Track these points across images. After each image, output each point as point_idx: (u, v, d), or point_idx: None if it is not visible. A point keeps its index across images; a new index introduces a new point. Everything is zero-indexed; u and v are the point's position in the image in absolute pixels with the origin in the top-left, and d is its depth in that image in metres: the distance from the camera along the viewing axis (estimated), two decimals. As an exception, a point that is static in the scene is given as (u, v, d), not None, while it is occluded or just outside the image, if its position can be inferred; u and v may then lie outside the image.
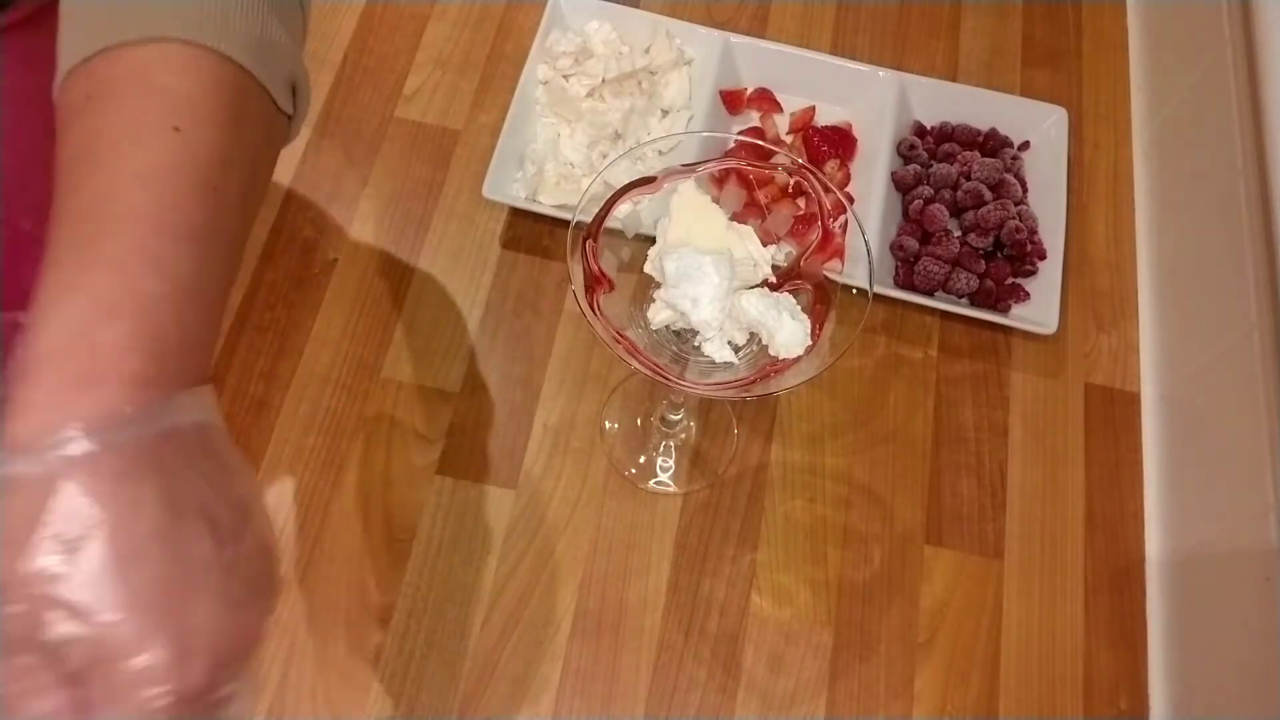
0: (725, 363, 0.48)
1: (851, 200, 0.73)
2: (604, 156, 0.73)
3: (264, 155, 0.38)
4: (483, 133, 0.77)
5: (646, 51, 0.77)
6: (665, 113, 0.76)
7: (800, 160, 0.51)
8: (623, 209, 0.50)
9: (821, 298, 0.50)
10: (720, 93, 0.77)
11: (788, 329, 0.46)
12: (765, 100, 0.78)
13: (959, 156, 0.75)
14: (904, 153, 0.77)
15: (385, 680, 0.60)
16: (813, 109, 0.79)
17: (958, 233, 0.74)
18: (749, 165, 0.51)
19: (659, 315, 0.47)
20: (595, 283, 0.48)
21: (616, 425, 0.68)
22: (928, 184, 0.75)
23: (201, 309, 0.32)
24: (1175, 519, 0.66)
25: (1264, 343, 0.59)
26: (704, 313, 0.45)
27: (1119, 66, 0.84)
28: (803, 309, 0.48)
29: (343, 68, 0.79)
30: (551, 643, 0.61)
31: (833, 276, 0.50)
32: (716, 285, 0.45)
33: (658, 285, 0.47)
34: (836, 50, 0.83)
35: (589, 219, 0.49)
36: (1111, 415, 0.71)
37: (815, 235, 0.50)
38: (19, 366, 0.29)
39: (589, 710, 0.60)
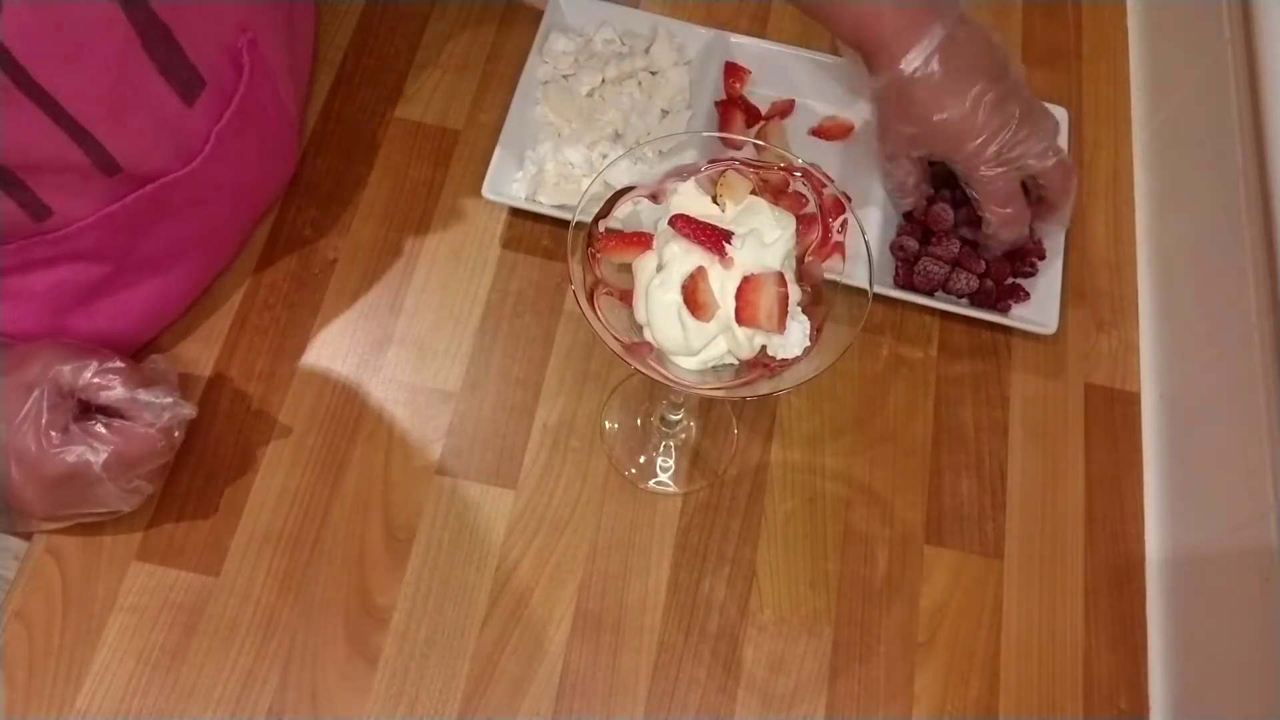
0: (726, 364, 0.48)
1: (851, 200, 0.73)
2: (604, 156, 0.73)
3: None
4: (483, 133, 0.77)
5: (646, 51, 0.77)
6: (665, 113, 0.76)
7: (800, 160, 0.51)
8: (623, 209, 0.50)
9: (821, 298, 0.50)
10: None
11: (787, 329, 0.46)
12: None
13: (959, 156, 0.75)
14: (904, 153, 0.76)
15: (385, 680, 0.60)
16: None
17: (958, 233, 0.74)
18: (749, 165, 0.51)
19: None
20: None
21: (616, 425, 0.68)
22: (928, 183, 0.74)
23: None
24: (1175, 519, 0.66)
25: (1264, 343, 0.59)
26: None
27: (1119, 66, 0.84)
28: (802, 309, 0.48)
29: (343, 68, 0.79)
30: (551, 643, 0.61)
31: (832, 276, 0.50)
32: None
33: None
34: (836, 50, 0.83)
35: (589, 219, 0.49)
36: (1111, 415, 0.71)
37: (815, 235, 0.50)
38: None
39: (589, 710, 0.60)
